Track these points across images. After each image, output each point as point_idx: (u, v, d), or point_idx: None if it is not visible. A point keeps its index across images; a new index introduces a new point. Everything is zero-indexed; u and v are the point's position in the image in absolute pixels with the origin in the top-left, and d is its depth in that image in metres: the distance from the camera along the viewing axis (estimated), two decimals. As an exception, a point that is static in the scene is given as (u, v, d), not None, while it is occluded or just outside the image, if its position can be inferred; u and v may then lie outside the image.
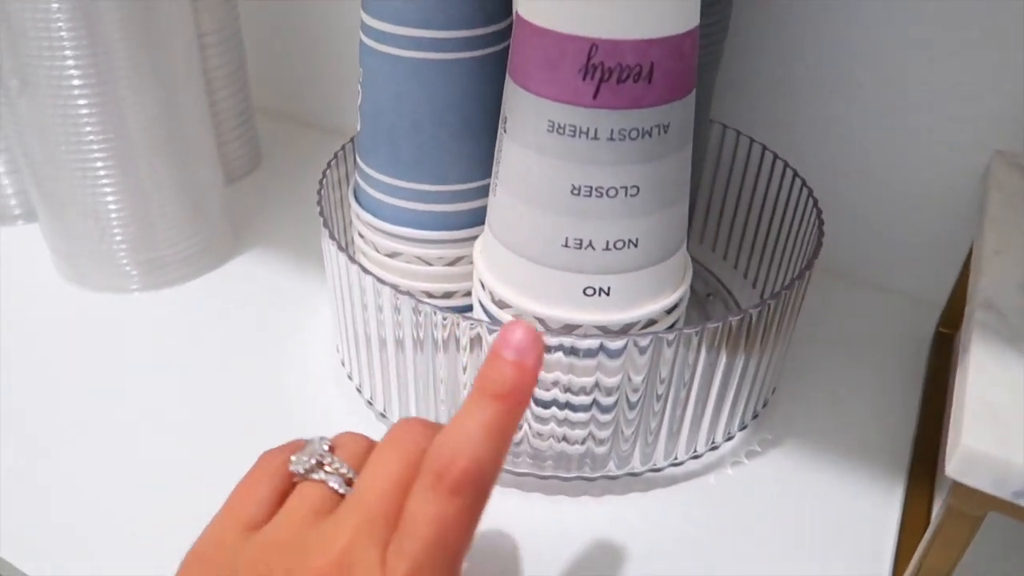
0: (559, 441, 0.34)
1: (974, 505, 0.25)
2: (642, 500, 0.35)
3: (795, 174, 0.41)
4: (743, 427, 0.37)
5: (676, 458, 0.36)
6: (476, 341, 0.32)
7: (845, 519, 0.35)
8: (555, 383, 0.32)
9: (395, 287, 0.32)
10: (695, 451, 0.36)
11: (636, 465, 0.35)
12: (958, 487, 0.25)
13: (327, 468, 0.25)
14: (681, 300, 0.34)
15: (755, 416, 0.38)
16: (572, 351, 0.31)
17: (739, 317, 0.31)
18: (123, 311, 0.46)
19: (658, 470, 0.36)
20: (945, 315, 0.44)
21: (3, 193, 0.52)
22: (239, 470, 0.35)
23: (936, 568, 0.27)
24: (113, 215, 0.45)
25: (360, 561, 0.21)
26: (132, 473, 0.36)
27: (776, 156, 0.43)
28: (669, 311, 0.33)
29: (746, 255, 0.47)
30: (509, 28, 0.37)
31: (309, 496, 0.24)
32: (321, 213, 0.37)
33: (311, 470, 0.25)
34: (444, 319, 0.32)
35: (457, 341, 0.32)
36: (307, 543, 0.22)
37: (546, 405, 0.33)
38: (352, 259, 0.34)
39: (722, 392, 0.34)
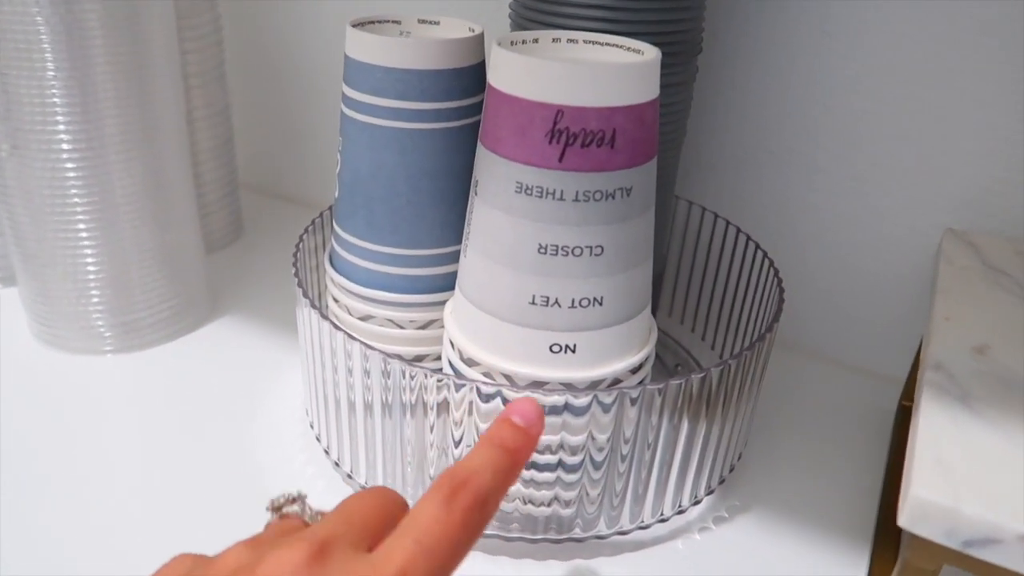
0: (525, 503, 0.33)
1: (928, 558, 0.25)
2: (609, 565, 0.34)
3: (756, 246, 0.42)
4: (710, 492, 0.37)
5: (643, 521, 0.35)
6: (444, 406, 0.32)
7: (813, 585, 0.34)
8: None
9: (365, 344, 0.32)
10: (662, 514, 0.35)
11: (602, 528, 0.34)
12: (913, 541, 0.25)
13: (297, 508, 0.24)
14: (646, 360, 0.34)
15: (722, 481, 0.37)
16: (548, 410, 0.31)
17: (701, 375, 0.31)
18: (96, 373, 0.45)
19: (625, 533, 0.35)
20: (907, 388, 0.45)
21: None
22: (208, 533, 0.34)
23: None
24: (92, 277, 0.45)
25: (337, 548, 0.20)
26: (102, 535, 0.35)
27: (739, 230, 0.44)
28: (634, 370, 0.33)
29: (712, 327, 0.47)
30: (480, 105, 0.38)
31: (281, 524, 0.23)
32: (296, 275, 0.37)
33: (282, 505, 0.24)
34: (412, 376, 0.31)
35: (424, 402, 0.32)
36: (284, 540, 0.21)
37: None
38: (324, 316, 0.34)
39: (687, 454, 0.34)
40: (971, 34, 0.39)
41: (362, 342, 0.32)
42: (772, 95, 0.45)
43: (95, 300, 0.45)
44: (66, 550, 0.34)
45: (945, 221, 0.43)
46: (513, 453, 0.24)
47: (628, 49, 0.32)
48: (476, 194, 0.32)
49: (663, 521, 0.36)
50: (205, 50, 0.52)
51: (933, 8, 0.40)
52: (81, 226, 0.44)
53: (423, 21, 0.40)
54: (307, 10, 0.59)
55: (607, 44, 0.33)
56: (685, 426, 0.33)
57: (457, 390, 0.31)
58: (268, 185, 0.67)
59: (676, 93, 0.39)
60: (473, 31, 0.38)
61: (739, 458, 0.39)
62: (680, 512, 0.36)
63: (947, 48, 0.40)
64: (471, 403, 0.31)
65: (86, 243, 0.44)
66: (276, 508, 0.24)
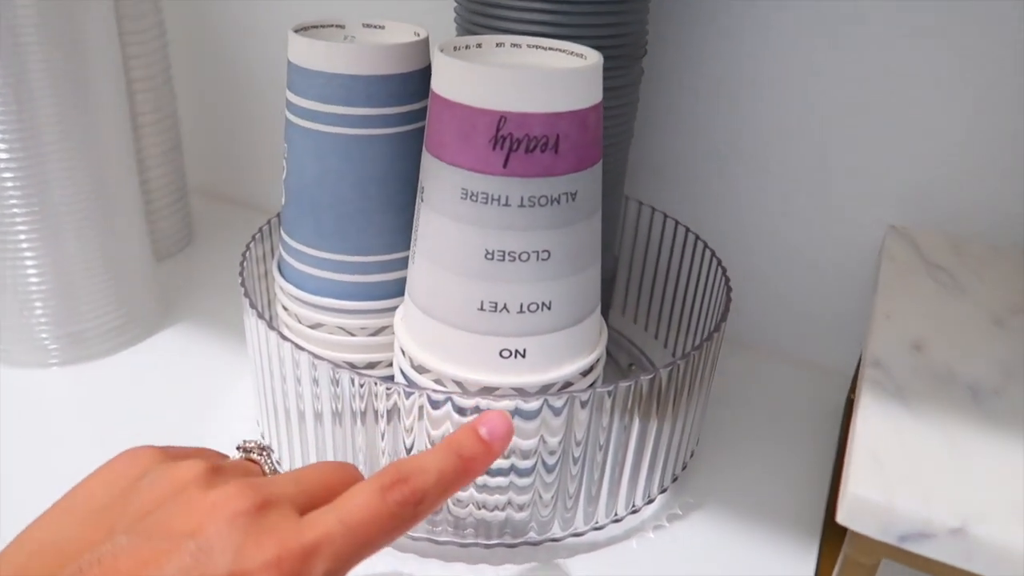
0: (479, 508, 0.33)
1: (866, 553, 0.25)
2: (565, 567, 0.34)
3: (705, 245, 0.42)
4: (663, 490, 0.37)
5: (597, 522, 0.35)
6: (394, 414, 0.31)
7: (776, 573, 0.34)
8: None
9: (313, 354, 0.32)
10: (616, 515, 0.35)
11: (557, 531, 0.34)
12: (853, 536, 0.25)
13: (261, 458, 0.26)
14: (597, 362, 0.34)
15: (675, 479, 0.37)
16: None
17: (650, 376, 0.31)
18: (43, 387, 0.43)
19: (580, 535, 0.35)
20: (854, 382, 0.45)
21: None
22: None
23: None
24: (34, 288, 0.43)
25: (278, 506, 0.22)
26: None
27: (688, 229, 0.44)
28: (585, 373, 0.33)
29: (664, 325, 0.47)
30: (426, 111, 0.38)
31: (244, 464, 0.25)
32: (243, 284, 0.37)
33: (250, 450, 0.26)
34: (361, 384, 0.31)
35: (375, 410, 0.31)
36: (237, 482, 0.22)
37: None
38: (271, 326, 0.33)
39: (639, 454, 0.34)
40: (909, 38, 0.40)
41: (310, 351, 0.32)
42: (719, 96, 0.45)
43: (39, 312, 0.44)
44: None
45: (888, 218, 0.43)
46: (467, 461, 0.25)
47: (571, 53, 0.32)
48: (422, 200, 0.32)
49: (617, 521, 0.36)
50: (150, 55, 0.51)
51: (873, 13, 0.40)
52: (22, 236, 0.42)
53: (368, 25, 0.39)
54: (254, 14, 0.58)
55: (550, 48, 0.33)
56: (636, 426, 0.33)
57: (407, 397, 0.30)
58: (218, 190, 0.66)
59: (621, 95, 0.39)
60: (418, 35, 0.37)
61: (691, 456, 0.39)
62: (634, 511, 0.36)
63: (887, 51, 0.41)
64: (421, 410, 0.31)
65: (27, 253, 0.43)
66: (244, 450, 0.26)
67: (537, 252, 0.30)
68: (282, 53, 0.58)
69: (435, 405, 0.30)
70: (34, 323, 0.44)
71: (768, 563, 0.35)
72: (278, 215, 0.43)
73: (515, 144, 0.28)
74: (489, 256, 0.30)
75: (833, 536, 0.37)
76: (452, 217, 0.30)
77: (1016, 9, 0.37)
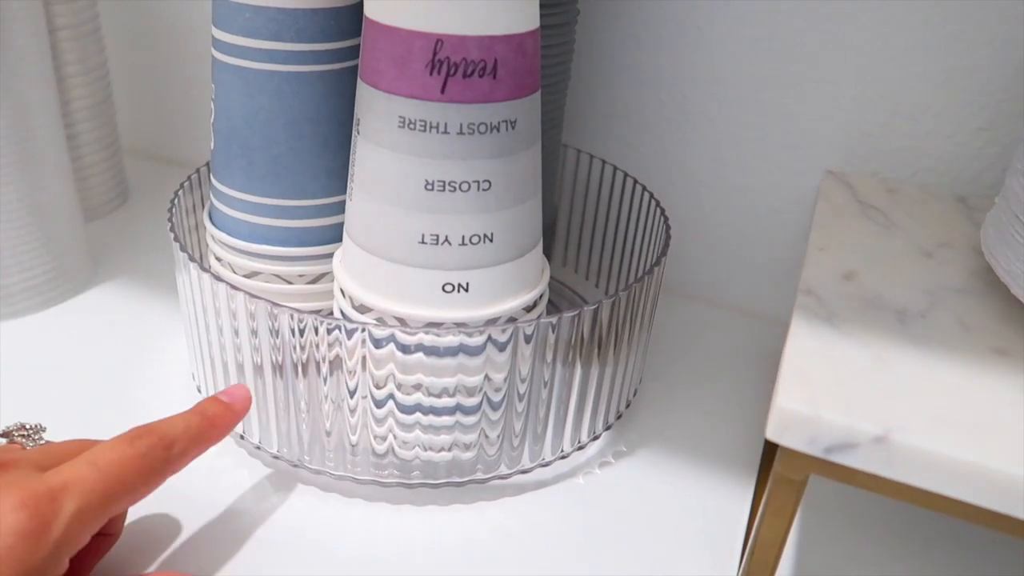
0: (425, 449, 0.32)
1: (795, 469, 0.25)
2: (513, 503, 0.33)
3: (644, 189, 0.41)
4: (608, 427, 0.36)
5: (544, 459, 0.34)
6: (336, 359, 0.29)
7: (703, 513, 0.33)
8: (417, 386, 0.30)
9: (249, 293, 0.29)
10: (562, 451, 0.34)
11: (503, 469, 0.33)
12: (782, 453, 0.25)
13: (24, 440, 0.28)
14: (540, 298, 0.32)
15: (619, 417, 0.37)
16: (432, 351, 0.29)
17: (593, 307, 0.30)
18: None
19: (526, 472, 0.34)
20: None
21: None
22: None
23: (769, 539, 0.26)
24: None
25: (19, 466, 0.23)
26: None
27: (626, 175, 0.43)
28: (529, 309, 0.32)
29: (605, 273, 0.46)
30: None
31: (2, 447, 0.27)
32: (172, 230, 0.34)
33: (11, 432, 0.28)
34: (300, 322, 0.29)
35: (316, 354, 0.29)
36: None
37: (410, 411, 0.30)
38: (204, 268, 0.31)
39: (583, 391, 0.33)
40: (837, -23, 0.39)
41: (246, 291, 0.29)
42: (658, 43, 0.44)
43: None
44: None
45: (826, 164, 0.43)
46: (211, 419, 0.28)
47: (509, -17, 0.30)
48: (359, 133, 0.29)
49: (563, 458, 0.34)
50: (74, 0, 0.47)
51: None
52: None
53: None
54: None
55: (487, -22, 0.31)
56: (579, 364, 0.32)
57: (349, 336, 0.28)
58: (154, 149, 0.62)
59: (557, 35, 0.37)
60: (351, -28, 0.35)
61: (634, 394, 0.39)
62: (580, 448, 0.35)
63: (827, 1, 0.40)
64: (364, 349, 0.29)
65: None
66: (5, 434, 0.28)
67: (478, 182, 0.28)
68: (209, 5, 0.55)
69: (377, 343, 0.29)
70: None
71: (709, 495, 0.34)
72: (207, 164, 0.40)
73: (452, 68, 0.27)
74: (429, 187, 0.28)
75: (769, 471, 0.37)
76: (390, 147, 0.28)
77: (941, -51, 0.37)
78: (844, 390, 0.24)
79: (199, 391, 0.36)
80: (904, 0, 0.38)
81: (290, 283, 0.37)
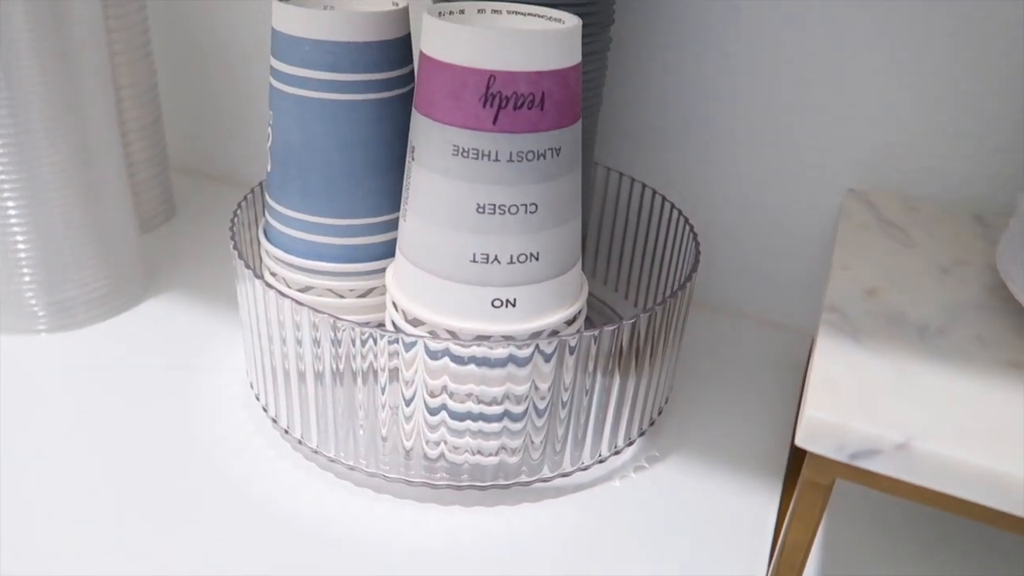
0: (474, 454, 0.34)
1: (822, 473, 0.27)
2: (554, 505, 0.35)
3: (672, 206, 0.43)
4: (642, 433, 0.38)
5: (583, 463, 0.36)
6: (394, 354, 0.31)
7: (732, 515, 0.35)
8: (469, 395, 0.32)
9: (314, 309, 0.32)
10: (600, 456, 0.36)
11: (546, 472, 0.35)
12: (810, 459, 0.27)
13: None
14: (580, 312, 0.35)
15: (652, 423, 0.39)
16: (484, 361, 0.31)
17: (631, 321, 0.32)
18: (32, 353, 0.43)
19: (567, 475, 0.36)
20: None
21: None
22: (153, 512, 0.33)
23: (796, 540, 0.28)
24: (23, 256, 0.42)
25: None
26: (41, 516, 0.33)
27: (655, 192, 0.45)
28: (569, 322, 0.34)
29: (635, 286, 0.48)
30: (411, 74, 0.38)
31: None
32: (235, 247, 0.36)
33: None
34: (363, 337, 0.31)
35: (375, 365, 0.32)
36: None
37: (461, 418, 0.33)
38: (269, 285, 0.33)
39: (620, 399, 0.35)
40: (867, 11, 0.41)
41: (311, 307, 0.32)
42: (685, 65, 0.46)
43: (27, 279, 0.43)
44: (4, 533, 0.32)
45: (848, 182, 0.45)
46: None
47: (549, 18, 0.33)
48: (413, 159, 0.32)
49: (601, 462, 0.37)
50: (130, 28, 0.50)
51: (824, -19, 0.41)
52: (10, 204, 0.41)
53: (350, -7, 0.39)
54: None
55: (528, 14, 0.33)
56: (618, 373, 0.34)
57: (407, 349, 0.31)
58: (199, 166, 0.65)
59: (591, 62, 0.39)
60: (397, 4, 0.37)
61: (666, 402, 0.41)
62: (616, 453, 0.37)
63: (846, 24, 0.42)
64: (421, 361, 0.31)
65: (15, 221, 0.42)
66: None
67: (526, 205, 0.30)
68: (262, 26, 0.58)
69: (432, 355, 0.31)
70: (23, 289, 0.43)
71: (738, 499, 0.36)
72: (261, 183, 0.43)
73: (504, 101, 0.29)
74: (480, 210, 0.30)
75: (795, 477, 0.38)
76: (443, 173, 0.30)
77: (958, -21, 0.39)
78: (868, 401, 0.26)
79: (257, 398, 0.39)
80: (924, 26, 0.40)
81: (342, 297, 0.39)
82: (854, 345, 0.30)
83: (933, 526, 0.36)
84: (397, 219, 0.39)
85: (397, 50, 0.36)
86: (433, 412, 0.33)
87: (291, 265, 0.39)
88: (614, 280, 0.50)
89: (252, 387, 0.40)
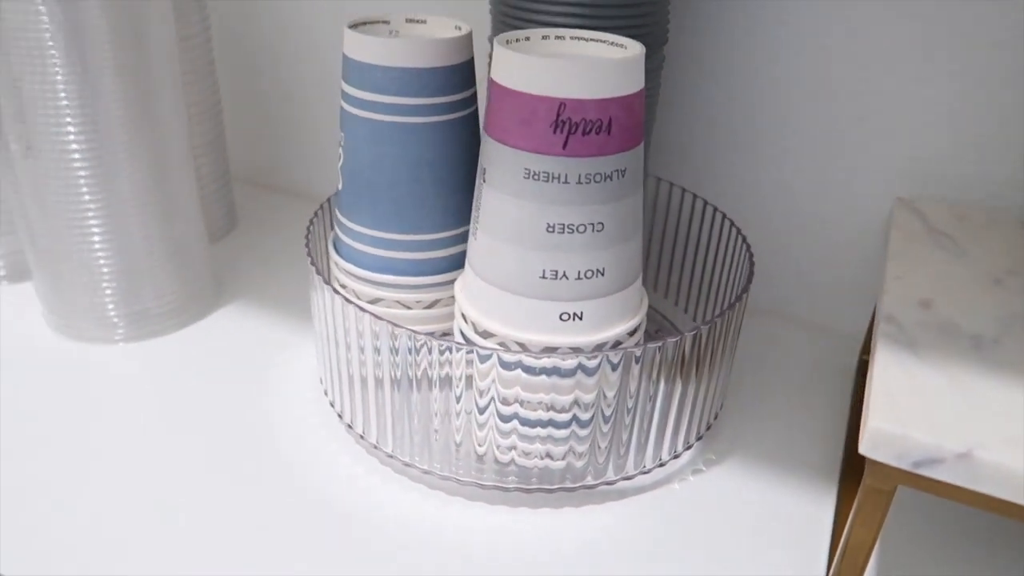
0: (543, 458, 0.36)
1: (884, 480, 0.28)
2: (618, 507, 0.37)
3: (723, 216, 0.45)
4: (699, 437, 0.39)
5: (644, 467, 0.37)
6: (469, 363, 0.33)
7: (790, 516, 0.37)
8: (540, 403, 0.34)
9: (393, 323, 0.34)
10: (660, 460, 0.38)
11: (610, 475, 0.37)
12: (872, 465, 0.28)
13: None
14: (641, 324, 0.36)
15: (708, 428, 0.40)
16: (554, 372, 0.33)
17: (692, 332, 0.34)
18: (112, 361, 0.45)
19: (630, 478, 0.37)
20: (865, 343, 0.48)
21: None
22: (227, 514, 0.35)
23: (859, 543, 0.30)
24: (104, 270, 0.45)
25: None
26: (118, 517, 0.36)
27: (706, 203, 0.46)
28: (631, 333, 0.36)
29: (685, 295, 0.50)
30: (473, 96, 0.40)
31: None
32: (312, 263, 0.38)
33: None
34: (441, 350, 0.33)
35: (452, 375, 0.34)
36: None
37: (532, 425, 0.35)
38: (348, 299, 0.35)
39: (681, 405, 0.36)
40: (910, 23, 0.42)
41: (390, 321, 0.34)
42: (735, 80, 0.47)
43: (107, 291, 0.46)
44: (80, 535, 0.35)
45: (895, 190, 0.46)
46: None
47: (611, 44, 0.34)
48: (484, 181, 0.34)
49: (661, 466, 0.38)
50: (195, 49, 0.52)
51: (877, 6, 0.42)
52: (92, 221, 0.44)
53: (411, 20, 0.41)
54: (293, 11, 0.59)
55: (591, 40, 0.35)
56: (679, 381, 0.35)
57: (483, 361, 0.33)
58: (258, 177, 0.68)
59: (646, 80, 0.41)
60: (460, 29, 0.39)
61: (721, 408, 0.42)
62: (675, 457, 0.39)
63: (889, 36, 0.43)
64: (495, 371, 0.33)
65: (96, 237, 0.44)
66: None
67: (593, 224, 0.32)
68: (316, 48, 0.60)
69: (507, 366, 0.33)
70: (104, 301, 0.46)
71: (794, 500, 0.38)
72: (328, 200, 0.45)
73: (573, 127, 0.31)
74: (550, 229, 0.32)
75: (849, 479, 0.40)
76: (514, 195, 0.32)
77: (1007, -7, 0.40)
78: (927, 411, 0.28)
79: (332, 405, 0.41)
80: (964, 37, 0.41)
81: (409, 308, 0.41)
82: (910, 356, 0.31)
83: (989, 528, 0.37)
84: (461, 234, 0.40)
85: (461, 74, 0.38)
86: (505, 419, 0.34)
87: (361, 278, 0.41)
88: (663, 288, 0.51)
89: (327, 394, 0.42)
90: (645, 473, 0.38)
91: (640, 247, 0.35)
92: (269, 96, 0.64)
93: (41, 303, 0.48)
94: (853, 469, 0.40)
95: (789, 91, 0.46)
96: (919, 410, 0.28)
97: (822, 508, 0.37)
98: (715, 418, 0.41)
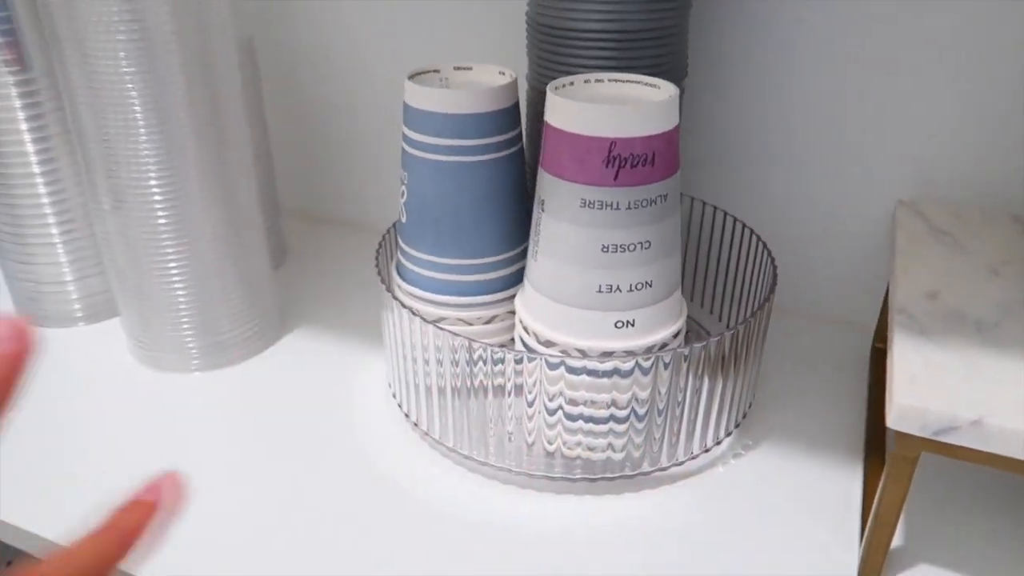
0: (605, 451, 0.40)
1: (909, 448, 0.33)
2: (671, 490, 0.42)
3: (751, 231, 0.49)
4: (737, 425, 0.44)
5: (692, 454, 0.42)
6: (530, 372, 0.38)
7: (822, 490, 0.42)
8: (606, 403, 0.39)
9: (470, 339, 0.39)
10: (705, 447, 0.43)
11: (664, 461, 0.42)
12: (898, 437, 0.33)
13: None
14: (682, 328, 0.41)
15: (744, 416, 0.45)
16: (615, 373, 0.38)
17: (731, 332, 0.39)
18: (188, 388, 0.50)
19: (680, 464, 0.42)
20: (878, 332, 0.53)
21: (68, 298, 0.57)
22: (312, 528, 0.40)
23: (890, 503, 0.34)
24: (183, 306, 0.50)
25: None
26: (212, 536, 0.40)
27: (726, 214, 0.51)
28: (675, 336, 0.40)
29: (711, 299, 0.54)
30: (520, 134, 0.45)
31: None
32: (388, 289, 0.43)
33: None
34: (495, 353, 0.38)
35: (522, 383, 0.38)
36: None
37: (597, 422, 0.39)
38: (414, 312, 0.40)
39: (722, 396, 0.41)
40: (913, 36, 0.47)
41: (466, 337, 0.39)
42: (749, 101, 0.53)
43: (186, 325, 0.51)
44: (169, 555, 0.38)
45: (897, 193, 0.51)
46: (129, 530, 0.23)
47: (645, 84, 0.39)
48: (543, 211, 0.39)
49: (706, 452, 0.43)
50: (250, 98, 0.57)
51: (876, 25, 0.47)
52: (172, 265, 0.49)
53: (458, 68, 0.46)
54: (338, 62, 0.65)
55: (627, 81, 0.40)
56: (720, 376, 0.40)
57: (552, 368, 0.38)
58: (303, 209, 0.73)
59: (674, 110, 0.46)
60: (504, 75, 0.44)
61: (753, 398, 0.47)
62: (717, 444, 0.43)
63: (889, 61, 0.48)
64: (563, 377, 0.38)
65: (176, 278, 0.49)
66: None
67: (641, 243, 0.37)
68: (353, 93, 0.65)
69: (573, 371, 0.38)
70: (184, 335, 0.51)
71: (825, 476, 0.43)
72: (389, 230, 0.50)
73: (623, 162, 0.36)
74: (605, 249, 0.37)
75: (873, 454, 0.45)
76: (571, 222, 0.37)
77: (1014, 10, 0.45)
78: (942, 387, 0.33)
79: (407, 416, 0.46)
80: (961, 57, 0.46)
81: (470, 324, 0.46)
82: (924, 341, 0.36)
83: (1000, 490, 0.42)
84: (514, 255, 0.45)
85: (510, 115, 0.43)
86: (572, 419, 0.39)
87: (425, 300, 0.46)
88: (699, 296, 0.56)
89: (401, 407, 0.47)
90: (692, 459, 0.43)
91: (680, 260, 0.40)
92: (310, 137, 0.69)
93: (127, 337, 0.53)
94: (875, 445, 0.45)
95: (799, 109, 0.51)
96: (935, 387, 0.33)
97: (851, 481, 0.42)
98: (749, 407, 0.46)
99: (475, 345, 0.38)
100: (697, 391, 0.40)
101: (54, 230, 0.55)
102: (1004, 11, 0.44)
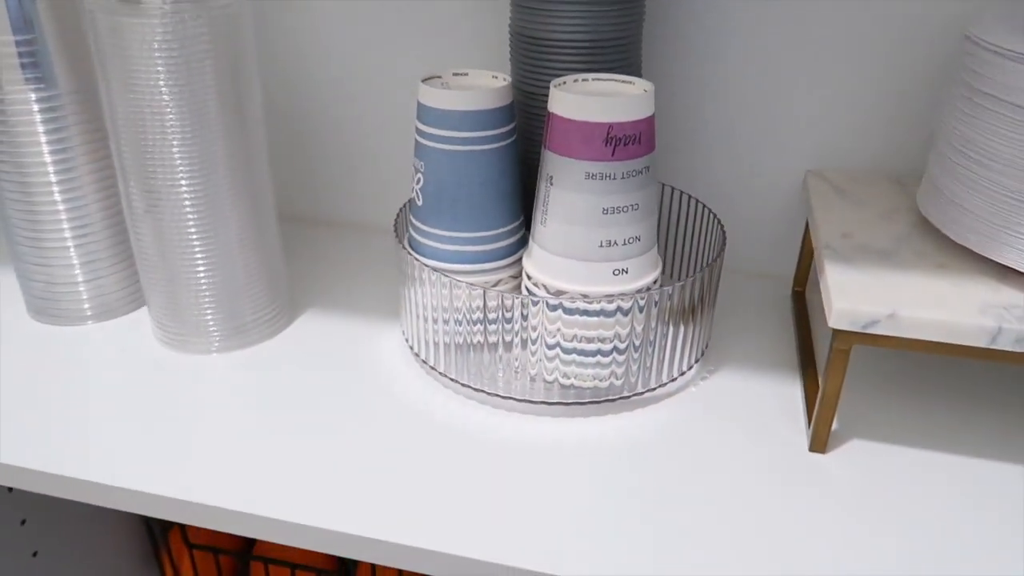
0: (593, 379, 0.50)
1: (845, 341, 0.44)
2: (650, 410, 0.52)
3: (695, 200, 0.61)
4: (699, 357, 0.55)
5: (671, 377, 0.53)
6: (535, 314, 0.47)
7: (770, 399, 0.53)
8: (597, 337, 0.48)
9: (501, 292, 0.47)
10: (672, 376, 0.53)
11: (652, 383, 0.52)
12: (836, 333, 0.44)
13: None
14: (660, 274, 0.51)
15: (699, 357, 0.56)
16: (618, 310, 0.47)
17: (701, 274, 0.49)
18: (213, 368, 0.56)
19: (663, 386, 0.53)
20: (796, 278, 0.65)
21: (80, 298, 0.61)
22: (347, 454, 0.47)
23: (832, 387, 0.46)
24: (207, 296, 0.56)
25: None
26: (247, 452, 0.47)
27: (674, 189, 0.62)
28: (654, 282, 0.51)
29: (677, 263, 0.65)
30: (515, 128, 0.54)
31: None
32: (403, 247, 0.51)
33: None
34: (525, 301, 0.47)
35: (535, 324, 0.48)
36: None
37: (591, 354, 0.49)
38: (445, 273, 0.49)
39: (692, 332, 0.52)
40: (820, 15, 0.60)
41: (498, 291, 0.47)
42: (689, 87, 0.64)
43: (209, 312, 0.56)
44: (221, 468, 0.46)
45: (805, 165, 0.64)
46: None
47: (622, 81, 0.50)
48: (552, 185, 0.48)
49: (673, 380, 0.54)
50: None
51: (787, 15, 0.60)
52: (200, 263, 0.54)
53: (456, 73, 0.55)
54: (335, 76, 0.71)
55: (607, 80, 0.50)
56: (689, 315, 0.51)
57: (569, 314, 0.47)
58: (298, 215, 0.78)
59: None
60: (496, 77, 0.53)
61: (710, 337, 0.58)
62: (682, 374, 0.54)
63: (802, 35, 0.60)
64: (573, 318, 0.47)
65: (200, 265, 0.55)
66: None
67: (632, 205, 0.47)
68: (341, 105, 0.72)
69: (569, 312, 0.47)
70: (208, 319, 0.57)
71: (772, 390, 0.54)
72: (402, 209, 0.58)
73: (619, 141, 0.46)
74: (605, 212, 0.47)
75: (806, 369, 0.56)
76: (578, 191, 0.47)
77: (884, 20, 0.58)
78: (865, 294, 0.44)
79: (424, 361, 0.54)
80: (858, 42, 0.59)
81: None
82: (846, 266, 0.48)
83: (910, 381, 0.55)
84: (514, 227, 0.54)
85: (510, 111, 0.53)
86: (567, 352, 0.49)
87: (439, 271, 0.54)
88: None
89: (419, 355, 0.54)
90: (662, 386, 0.53)
91: (657, 219, 0.51)
92: (306, 139, 0.75)
93: (154, 324, 0.58)
94: (807, 361, 0.57)
95: (728, 93, 0.63)
96: (859, 295, 0.44)
97: (793, 389, 0.54)
98: (707, 345, 0.57)
99: (489, 293, 0.47)
100: (675, 325, 0.50)
101: (68, 235, 0.59)
102: (869, 23, 0.58)
